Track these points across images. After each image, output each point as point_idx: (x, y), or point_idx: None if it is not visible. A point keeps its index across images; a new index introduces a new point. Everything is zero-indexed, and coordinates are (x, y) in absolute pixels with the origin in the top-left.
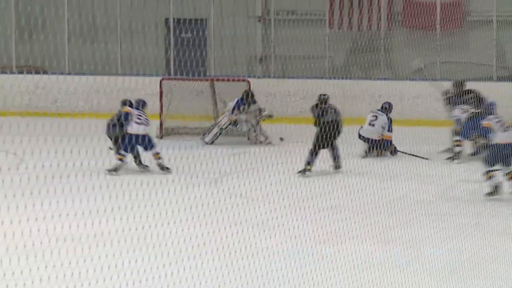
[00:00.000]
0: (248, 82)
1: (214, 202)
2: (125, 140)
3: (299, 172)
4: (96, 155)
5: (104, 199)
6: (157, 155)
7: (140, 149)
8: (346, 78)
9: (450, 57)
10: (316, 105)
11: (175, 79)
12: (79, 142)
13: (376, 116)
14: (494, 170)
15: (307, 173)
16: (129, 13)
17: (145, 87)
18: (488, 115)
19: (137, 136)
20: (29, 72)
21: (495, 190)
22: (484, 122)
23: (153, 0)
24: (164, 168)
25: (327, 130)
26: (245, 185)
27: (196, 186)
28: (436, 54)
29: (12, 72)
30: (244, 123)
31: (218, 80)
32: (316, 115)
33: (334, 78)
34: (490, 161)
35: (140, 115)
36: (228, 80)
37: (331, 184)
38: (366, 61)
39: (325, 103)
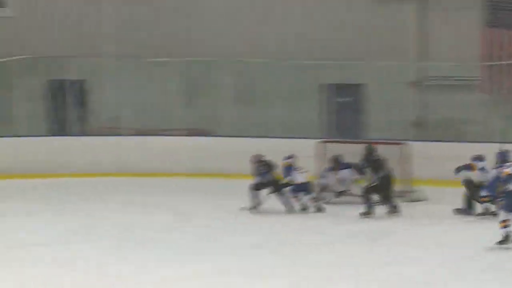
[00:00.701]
0: (406, 145)
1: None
2: (293, 188)
3: (361, 213)
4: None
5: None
6: (314, 200)
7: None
8: (502, 142)
9: None
10: (366, 157)
11: (331, 141)
12: (241, 201)
13: None
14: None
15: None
16: (288, 79)
17: (302, 149)
18: (503, 163)
19: (301, 184)
20: (193, 135)
21: (506, 239)
22: (505, 170)
23: (312, 66)
24: (321, 209)
25: (386, 184)
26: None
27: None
28: None
29: (177, 135)
30: (322, 191)
31: (375, 143)
32: (371, 169)
33: (490, 142)
34: (509, 208)
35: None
36: (385, 143)
37: None
38: None
39: (373, 153)
